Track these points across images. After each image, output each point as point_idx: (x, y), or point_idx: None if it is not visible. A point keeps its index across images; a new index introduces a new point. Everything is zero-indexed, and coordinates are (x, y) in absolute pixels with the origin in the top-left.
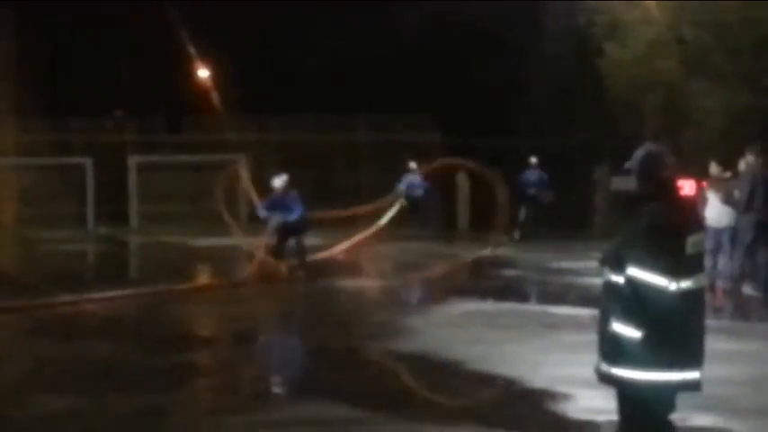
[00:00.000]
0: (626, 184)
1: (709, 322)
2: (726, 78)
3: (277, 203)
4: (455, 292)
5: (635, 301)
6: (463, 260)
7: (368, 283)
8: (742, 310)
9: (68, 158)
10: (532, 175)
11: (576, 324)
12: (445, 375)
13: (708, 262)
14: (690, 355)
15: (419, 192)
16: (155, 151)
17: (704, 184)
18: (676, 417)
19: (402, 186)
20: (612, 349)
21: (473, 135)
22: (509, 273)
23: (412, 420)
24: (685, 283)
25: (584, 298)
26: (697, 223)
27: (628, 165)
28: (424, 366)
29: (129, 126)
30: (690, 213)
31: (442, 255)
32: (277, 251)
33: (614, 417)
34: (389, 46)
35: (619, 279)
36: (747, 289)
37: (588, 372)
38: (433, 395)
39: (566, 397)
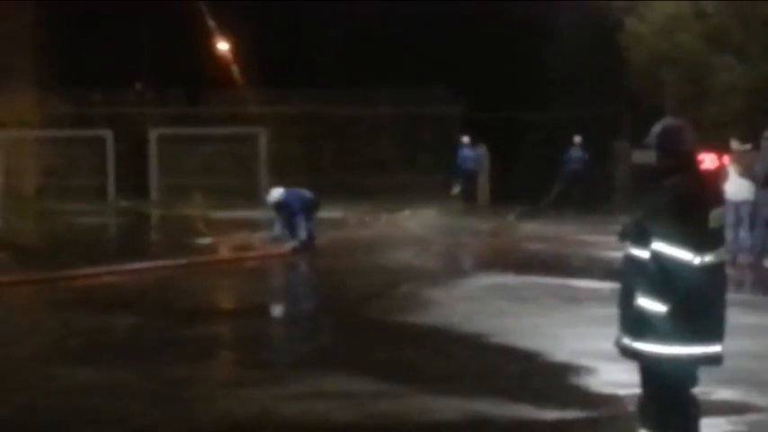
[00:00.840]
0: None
1: (731, 296)
2: (747, 52)
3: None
4: (477, 265)
5: (660, 276)
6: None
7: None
8: (763, 284)
9: (89, 131)
10: (576, 153)
11: (597, 297)
12: (467, 349)
13: (729, 236)
14: (712, 329)
15: (471, 164)
16: (175, 124)
17: (726, 158)
18: (698, 390)
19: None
20: (637, 323)
21: (493, 108)
22: (531, 246)
23: (435, 393)
24: (708, 257)
25: (605, 271)
26: (718, 197)
27: (647, 140)
28: (447, 340)
29: (150, 99)
30: (711, 187)
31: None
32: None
33: (636, 390)
34: (410, 18)
35: (641, 253)
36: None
37: (610, 345)
38: (456, 368)
39: (588, 370)
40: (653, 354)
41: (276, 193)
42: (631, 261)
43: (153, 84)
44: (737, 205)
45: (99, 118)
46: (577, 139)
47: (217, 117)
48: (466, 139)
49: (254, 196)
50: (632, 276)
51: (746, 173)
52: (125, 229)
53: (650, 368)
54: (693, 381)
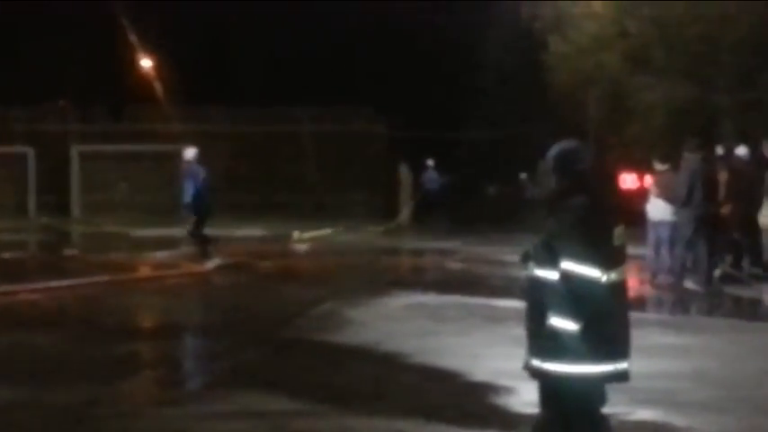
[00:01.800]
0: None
1: (651, 316)
2: (668, 72)
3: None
4: (397, 285)
5: (571, 295)
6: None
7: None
8: (683, 304)
9: (10, 147)
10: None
11: (519, 317)
12: (387, 368)
13: (649, 255)
14: (620, 345)
15: (434, 185)
16: (97, 141)
17: (647, 177)
18: (618, 411)
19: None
20: (548, 344)
21: (416, 127)
22: (452, 265)
23: (353, 413)
24: (614, 275)
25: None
26: (619, 214)
27: (545, 165)
28: (367, 359)
29: (72, 115)
30: (612, 204)
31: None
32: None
33: None
34: (334, 38)
35: (549, 274)
36: (688, 283)
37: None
38: (375, 388)
39: (508, 390)
40: (564, 374)
41: (190, 152)
42: (538, 282)
43: (75, 100)
44: (657, 225)
45: (20, 134)
46: (430, 162)
47: (140, 134)
48: (430, 162)
49: (175, 214)
50: (540, 298)
51: (665, 193)
52: (45, 246)
53: (561, 389)
54: (603, 399)
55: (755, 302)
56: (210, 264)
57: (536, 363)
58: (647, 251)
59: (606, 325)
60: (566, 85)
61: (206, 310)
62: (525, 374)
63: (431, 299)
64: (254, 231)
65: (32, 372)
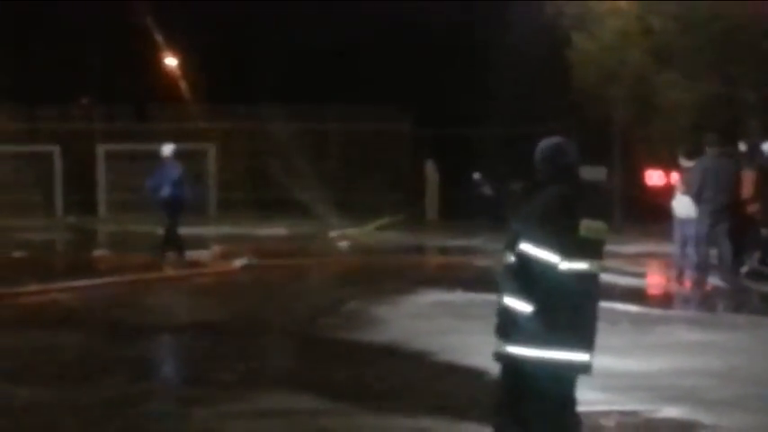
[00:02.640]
0: (594, 174)
1: (677, 313)
2: (693, 69)
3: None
4: (423, 282)
5: (525, 276)
6: None
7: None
8: (709, 301)
9: (36, 146)
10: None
11: None
12: (413, 366)
13: (676, 252)
14: (579, 336)
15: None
16: (122, 139)
17: (674, 174)
18: (644, 408)
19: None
20: (504, 324)
21: (441, 125)
22: (478, 262)
23: (379, 411)
24: (578, 265)
25: None
26: (599, 210)
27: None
28: (392, 357)
29: (97, 114)
30: (592, 199)
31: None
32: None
33: (582, 408)
34: (358, 36)
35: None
36: (714, 279)
37: None
38: (401, 386)
39: None
40: (520, 356)
41: (168, 149)
42: (506, 268)
43: (100, 99)
44: (683, 222)
45: (46, 133)
46: (477, 175)
47: (165, 133)
48: (477, 176)
49: (203, 212)
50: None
51: (689, 190)
52: (72, 245)
53: (522, 370)
54: (562, 387)
55: None
56: (238, 262)
57: (498, 345)
58: (673, 248)
59: (563, 312)
60: (590, 83)
61: (232, 309)
62: None
63: (457, 296)
64: (278, 230)
65: (60, 371)
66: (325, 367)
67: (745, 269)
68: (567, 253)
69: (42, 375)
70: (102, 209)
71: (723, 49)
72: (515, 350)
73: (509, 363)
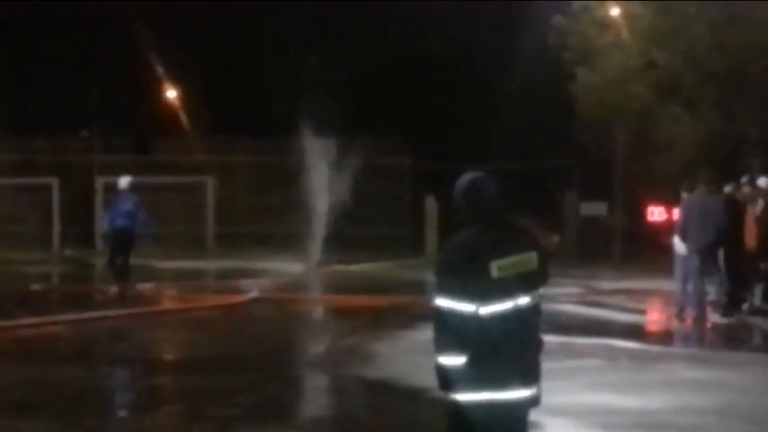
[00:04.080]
0: (594, 210)
1: (677, 350)
2: (697, 104)
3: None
4: (421, 318)
5: (449, 329)
6: None
7: None
8: (708, 338)
9: (34, 178)
10: None
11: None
12: (411, 403)
13: (677, 288)
14: (518, 373)
15: None
16: (122, 172)
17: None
18: None
19: None
20: (443, 379)
21: (441, 160)
22: None
23: None
24: (498, 306)
25: (553, 324)
26: (511, 247)
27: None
28: (390, 394)
29: (97, 146)
30: (502, 237)
31: None
32: (110, 264)
33: None
34: (360, 68)
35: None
36: (714, 316)
37: (557, 399)
38: (398, 423)
39: (534, 425)
40: (464, 404)
41: (125, 181)
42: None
43: (100, 131)
44: (684, 259)
45: (45, 165)
46: None
47: (165, 165)
48: None
49: (201, 245)
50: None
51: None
52: (69, 278)
53: (468, 418)
54: (514, 426)
55: None
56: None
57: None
58: (674, 285)
59: (495, 355)
60: (593, 117)
61: (231, 343)
62: (552, 409)
63: None
64: (279, 263)
65: (57, 405)
66: (323, 403)
67: (746, 306)
68: (483, 298)
69: (40, 409)
70: (99, 241)
71: (726, 85)
72: (459, 398)
73: (455, 410)
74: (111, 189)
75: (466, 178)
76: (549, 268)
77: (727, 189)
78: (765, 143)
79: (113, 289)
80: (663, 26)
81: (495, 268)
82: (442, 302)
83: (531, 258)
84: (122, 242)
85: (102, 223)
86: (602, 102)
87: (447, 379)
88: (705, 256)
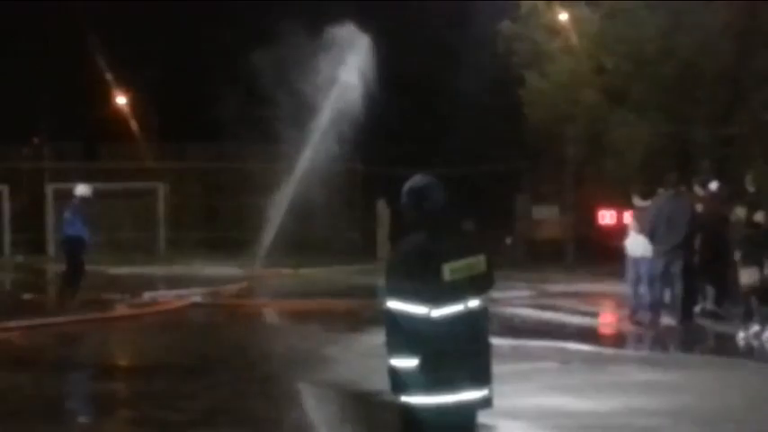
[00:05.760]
0: (546, 213)
1: (629, 353)
2: (646, 108)
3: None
4: (374, 322)
5: (400, 332)
6: None
7: None
8: (662, 341)
9: None
10: None
11: (495, 354)
12: (366, 406)
13: (629, 291)
14: (469, 375)
15: None
16: (72, 178)
17: (627, 214)
18: None
19: None
20: (395, 381)
21: (395, 164)
22: None
23: None
24: (450, 308)
25: (506, 327)
26: (460, 250)
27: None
28: (345, 398)
29: (47, 153)
30: (451, 241)
31: None
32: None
33: None
34: None
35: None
36: (666, 319)
37: (510, 402)
38: (350, 428)
39: (487, 428)
40: (415, 406)
41: (84, 188)
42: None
43: (50, 138)
44: (636, 261)
45: None
46: None
47: (116, 172)
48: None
49: (152, 251)
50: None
51: (643, 229)
52: (20, 285)
53: (415, 419)
54: (465, 427)
55: (734, 339)
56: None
57: (393, 396)
58: (626, 287)
59: (444, 358)
60: (543, 121)
61: (183, 349)
62: (504, 412)
63: None
64: (229, 269)
65: (10, 410)
66: (277, 407)
67: (698, 308)
68: (435, 300)
69: None
70: (50, 248)
71: (675, 89)
72: (411, 400)
73: (407, 411)
74: (62, 196)
75: (411, 182)
76: (493, 272)
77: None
78: (713, 145)
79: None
80: (611, 31)
81: (448, 271)
82: (394, 305)
83: (480, 261)
84: (81, 251)
85: (71, 230)
86: (552, 106)
87: (399, 381)
88: (670, 259)
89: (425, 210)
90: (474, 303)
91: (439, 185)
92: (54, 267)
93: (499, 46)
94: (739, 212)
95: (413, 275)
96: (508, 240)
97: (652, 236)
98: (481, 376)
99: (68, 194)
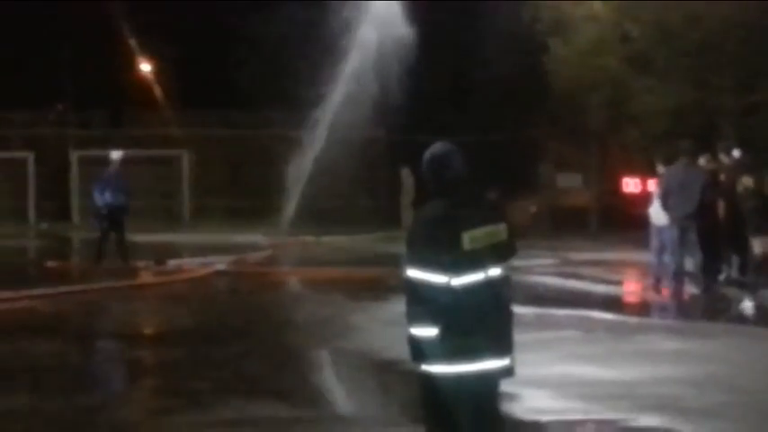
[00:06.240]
0: (570, 181)
1: (654, 321)
2: (670, 76)
3: (109, 184)
4: (396, 290)
5: (421, 301)
6: None
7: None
8: (686, 309)
9: (9, 152)
10: None
11: (518, 323)
12: (389, 375)
13: (653, 260)
14: (490, 344)
15: None
16: (97, 145)
17: (651, 181)
18: (622, 417)
19: None
20: (415, 350)
21: (416, 132)
22: None
23: (353, 423)
24: (471, 277)
25: (530, 296)
26: (482, 218)
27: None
28: (369, 366)
29: (71, 120)
30: (472, 209)
31: None
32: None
33: (559, 416)
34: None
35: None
36: (691, 287)
37: (533, 371)
38: (376, 397)
39: (511, 397)
40: (435, 374)
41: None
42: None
43: (74, 105)
44: (660, 230)
45: (19, 139)
46: None
47: (140, 139)
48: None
49: (176, 218)
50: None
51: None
52: (44, 252)
53: (436, 387)
54: (486, 396)
55: (760, 308)
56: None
57: (416, 367)
58: (650, 256)
59: (466, 326)
60: (567, 89)
61: (208, 317)
62: (527, 381)
63: None
64: (253, 237)
65: (33, 379)
66: (301, 377)
67: (722, 277)
68: (456, 269)
69: (16, 383)
70: (75, 215)
71: (700, 56)
72: (431, 369)
73: (427, 380)
74: (86, 162)
75: (432, 151)
76: (516, 241)
77: (702, 161)
78: (739, 113)
79: (122, 265)
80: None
81: (467, 240)
82: (414, 274)
83: (500, 230)
84: (119, 218)
85: (97, 200)
86: (576, 74)
87: (419, 350)
88: (685, 227)
89: (446, 178)
90: (495, 272)
91: (459, 153)
92: (78, 235)
93: (523, 13)
94: (746, 182)
95: (433, 244)
96: (532, 208)
97: (665, 203)
98: (503, 345)
99: (92, 161)
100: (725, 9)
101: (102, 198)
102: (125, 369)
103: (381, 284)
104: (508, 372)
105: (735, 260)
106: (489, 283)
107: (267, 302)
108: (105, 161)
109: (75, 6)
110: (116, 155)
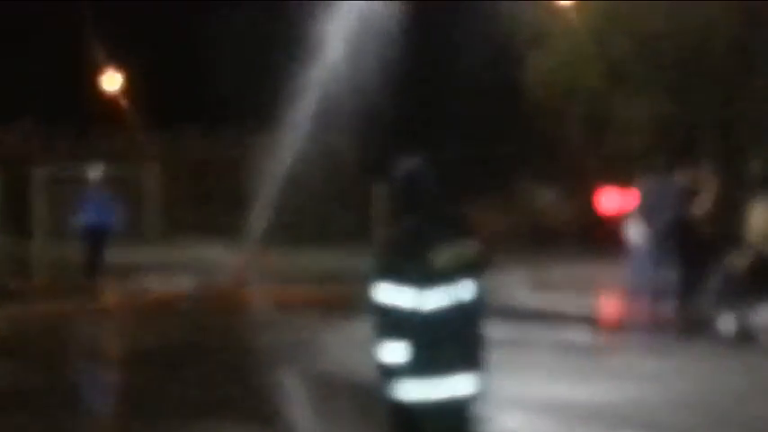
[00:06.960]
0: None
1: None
2: (649, 89)
3: (91, 203)
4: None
5: (389, 324)
6: None
7: None
8: (660, 327)
9: None
10: None
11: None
12: (363, 397)
13: (629, 275)
14: (455, 367)
15: None
16: (62, 161)
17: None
18: None
19: None
20: (385, 374)
21: (388, 147)
22: None
23: None
24: (439, 298)
25: (504, 314)
26: (452, 237)
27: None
28: (341, 387)
29: (35, 135)
30: (443, 229)
31: None
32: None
33: None
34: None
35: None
36: (666, 305)
37: (506, 392)
38: (351, 419)
39: (484, 418)
40: (406, 400)
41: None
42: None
43: (39, 120)
44: (636, 246)
45: None
46: None
47: (106, 155)
48: None
49: (143, 235)
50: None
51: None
52: (5, 271)
53: (411, 413)
54: (458, 419)
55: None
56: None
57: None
58: (628, 273)
59: (436, 348)
60: (544, 102)
61: (174, 338)
62: (504, 401)
63: None
64: (222, 254)
65: None
66: (273, 398)
67: (700, 294)
68: (424, 287)
69: None
70: (38, 233)
71: (679, 69)
72: (400, 390)
73: (397, 402)
74: (50, 180)
75: (403, 166)
76: (488, 259)
77: (678, 176)
78: (719, 129)
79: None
80: (615, 11)
81: (437, 259)
82: (383, 294)
83: (471, 249)
84: (100, 239)
85: (77, 218)
86: (553, 86)
87: (388, 371)
88: (661, 243)
89: (417, 194)
90: (465, 292)
91: (431, 169)
92: (40, 253)
93: (501, 25)
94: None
95: (401, 263)
96: (507, 224)
97: (641, 218)
98: (472, 367)
99: (57, 179)
100: (707, 21)
101: (86, 217)
102: (91, 392)
103: (351, 301)
104: (479, 393)
105: (713, 278)
106: (459, 304)
107: (235, 322)
108: (71, 179)
109: (42, 18)
110: (94, 173)
